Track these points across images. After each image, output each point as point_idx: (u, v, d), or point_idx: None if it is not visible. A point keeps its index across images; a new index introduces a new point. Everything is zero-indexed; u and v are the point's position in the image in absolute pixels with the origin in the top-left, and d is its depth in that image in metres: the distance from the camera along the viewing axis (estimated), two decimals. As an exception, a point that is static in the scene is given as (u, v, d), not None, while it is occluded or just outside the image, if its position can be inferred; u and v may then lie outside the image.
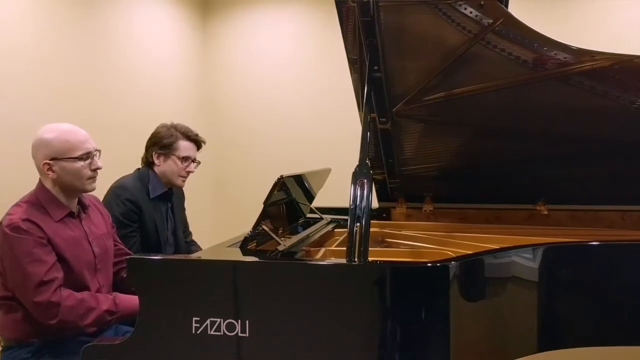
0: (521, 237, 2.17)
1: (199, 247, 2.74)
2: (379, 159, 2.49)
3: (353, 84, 2.15)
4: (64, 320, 1.70)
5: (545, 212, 2.59)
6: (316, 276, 1.42)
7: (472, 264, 1.45)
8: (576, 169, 2.42)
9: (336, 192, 3.85)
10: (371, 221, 2.54)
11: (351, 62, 2.05)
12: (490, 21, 2.04)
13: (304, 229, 2.33)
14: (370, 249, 2.09)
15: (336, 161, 4.05)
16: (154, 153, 2.39)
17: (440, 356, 1.38)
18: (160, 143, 2.38)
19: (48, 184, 1.84)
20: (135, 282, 1.47)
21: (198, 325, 1.42)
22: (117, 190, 2.28)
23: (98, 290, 1.87)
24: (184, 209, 2.69)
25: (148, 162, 2.42)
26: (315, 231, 2.19)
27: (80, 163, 1.83)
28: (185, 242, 2.66)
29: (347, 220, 2.48)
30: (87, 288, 1.83)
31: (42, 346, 1.78)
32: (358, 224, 1.49)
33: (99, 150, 1.90)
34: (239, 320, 1.40)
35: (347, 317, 1.39)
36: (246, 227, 4.28)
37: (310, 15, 4.18)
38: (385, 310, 1.39)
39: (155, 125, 2.45)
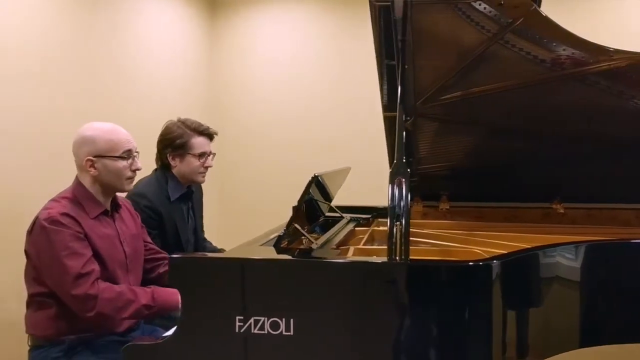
0: (544, 235, 2.19)
1: (212, 245, 2.73)
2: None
3: (379, 84, 2.16)
4: (102, 313, 1.70)
5: (562, 211, 2.62)
6: (361, 275, 1.43)
7: (515, 262, 1.47)
8: (591, 168, 2.44)
9: (342, 191, 3.90)
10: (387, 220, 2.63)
11: (380, 62, 2.06)
12: (510, 20, 2.06)
13: (324, 227, 2.34)
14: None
15: (343, 161, 4.06)
16: (168, 155, 2.35)
17: (482, 354, 1.40)
18: (173, 144, 2.34)
19: (86, 182, 1.86)
20: (177, 281, 1.47)
21: (241, 324, 1.42)
22: (135, 198, 2.23)
23: None
24: (202, 206, 2.68)
25: (163, 164, 2.39)
26: (339, 230, 2.20)
27: (122, 162, 1.85)
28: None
29: (364, 218, 2.58)
30: None
31: (74, 344, 1.78)
32: (398, 222, 1.49)
33: (138, 152, 1.91)
34: (283, 319, 1.41)
35: (389, 316, 1.40)
36: (252, 228, 4.29)
37: (317, 15, 4.17)
38: (428, 308, 1.40)
39: (161, 124, 2.42)
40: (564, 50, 2.10)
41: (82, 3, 2.69)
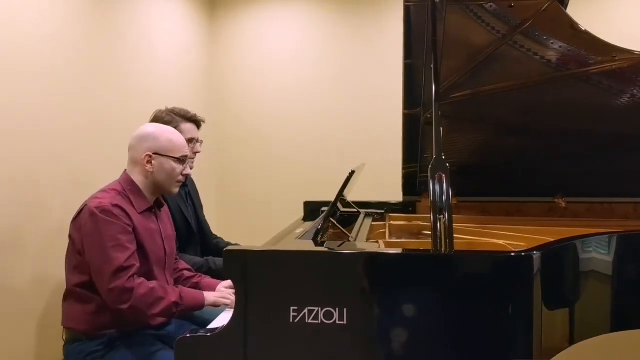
0: (554, 228, 2.30)
1: (225, 241, 2.76)
2: (413, 153, 2.58)
3: (403, 82, 2.22)
4: (135, 307, 1.73)
5: (564, 205, 2.73)
6: (410, 266, 1.49)
7: (554, 252, 1.55)
8: (592, 164, 2.56)
9: (336, 185, 3.95)
10: (400, 215, 2.70)
11: (405, 61, 2.12)
12: (519, 22, 2.15)
13: (341, 222, 2.39)
14: (418, 240, 2.20)
15: (343, 158, 4.14)
16: None
17: (523, 345, 1.47)
18: None
19: (136, 177, 1.89)
20: (231, 272, 1.50)
21: (296, 314, 1.47)
22: None
23: None
24: (199, 198, 2.71)
25: None
26: (361, 225, 2.26)
27: (178, 165, 1.90)
28: None
29: (378, 213, 2.65)
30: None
31: (115, 338, 1.80)
32: (441, 216, 1.56)
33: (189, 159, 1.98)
34: (337, 309, 1.46)
35: (433, 306, 1.46)
36: (251, 223, 4.33)
37: (317, 11, 4.21)
38: (474, 298, 1.46)
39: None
40: (569, 51, 2.21)
41: (89, 2, 2.68)
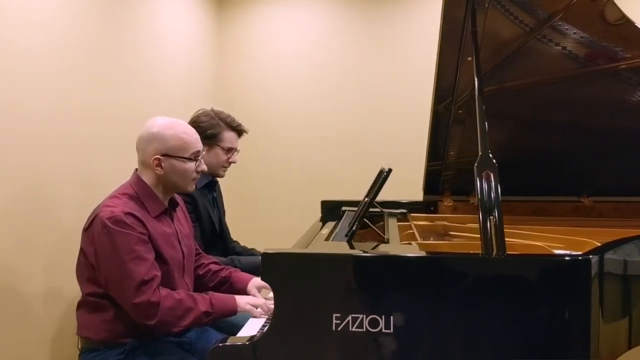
0: (591, 228, 2.22)
1: (241, 245, 2.67)
2: (439, 150, 2.49)
3: (436, 77, 2.14)
4: (163, 321, 1.62)
5: (590, 204, 2.65)
6: (461, 270, 1.40)
7: (609, 255, 1.46)
8: (620, 162, 2.49)
9: (350, 183, 3.87)
10: (421, 214, 2.61)
11: (444, 54, 2.04)
12: (548, 15, 2.07)
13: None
14: (452, 242, 2.12)
15: (354, 157, 4.05)
16: None
17: (581, 349, 1.38)
18: (205, 133, 2.28)
19: (148, 179, 1.76)
20: (270, 276, 1.40)
21: (339, 321, 1.37)
22: None
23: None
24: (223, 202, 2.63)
25: None
26: (389, 225, 2.16)
27: (190, 163, 1.77)
28: None
29: (399, 213, 2.55)
30: (176, 288, 1.75)
31: (136, 346, 1.69)
32: (491, 216, 1.46)
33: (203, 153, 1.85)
34: (383, 316, 1.36)
35: (487, 311, 1.37)
36: (259, 221, 4.21)
37: (325, 6, 4.11)
38: (529, 304, 1.38)
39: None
40: (599, 45, 2.13)
41: (99, 2, 2.58)
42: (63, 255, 2.19)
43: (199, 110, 2.36)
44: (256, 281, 1.95)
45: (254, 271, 2.16)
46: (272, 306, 1.42)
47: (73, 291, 2.19)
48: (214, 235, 2.33)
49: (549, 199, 2.72)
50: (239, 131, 2.39)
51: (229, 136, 2.35)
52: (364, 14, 4.03)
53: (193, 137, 1.79)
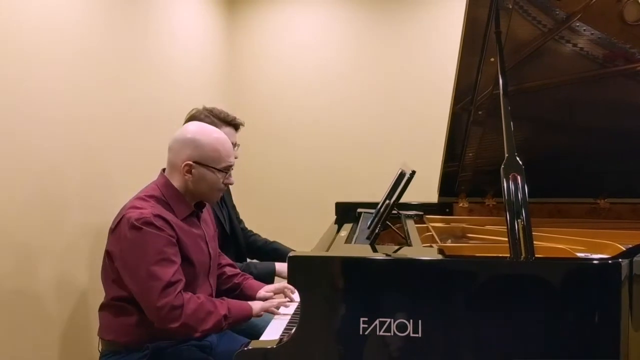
0: (609, 230, 2.20)
1: (261, 237, 2.64)
2: (456, 152, 2.47)
3: (456, 77, 2.13)
4: (186, 324, 1.60)
5: (607, 206, 2.64)
6: (490, 273, 1.38)
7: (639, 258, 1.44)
8: (637, 164, 2.46)
9: (361, 185, 3.85)
10: (437, 216, 2.59)
11: (466, 54, 2.02)
12: (566, 16, 2.06)
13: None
14: (474, 244, 2.10)
15: (366, 156, 4.03)
16: None
17: (611, 355, 1.36)
18: None
19: (177, 182, 1.74)
20: (296, 280, 1.38)
21: (366, 325, 1.35)
22: None
23: (210, 294, 1.78)
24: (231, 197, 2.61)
25: None
26: (408, 227, 2.15)
27: (220, 175, 1.74)
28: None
29: (416, 215, 2.53)
30: (201, 291, 1.74)
31: (157, 350, 1.67)
32: (519, 219, 1.45)
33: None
34: (411, 320, 1.34)
35: (515, 316, 1.36)
36: (269, 219, 4.19)
37: (338, 11, 4.07)
38: (558, 309, 1.36)
39: (182, 117, 2.34)
40: (617, 46, 2.12)
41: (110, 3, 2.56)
42: (74, 252, 2.18)
43: (191, 111, 2.32)
44: (266, 288, 1.94)
45: (268, 278, 2.14)
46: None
47: (84, 289, 2.18)
48: (224, 236, 2.30)
49: (565, 200, 2.70)
50: (235, 125, 2.34)
51: (225, 132, 2.31)
52: (380, 13, 3.99)
53: (228, 151, 1.77)
